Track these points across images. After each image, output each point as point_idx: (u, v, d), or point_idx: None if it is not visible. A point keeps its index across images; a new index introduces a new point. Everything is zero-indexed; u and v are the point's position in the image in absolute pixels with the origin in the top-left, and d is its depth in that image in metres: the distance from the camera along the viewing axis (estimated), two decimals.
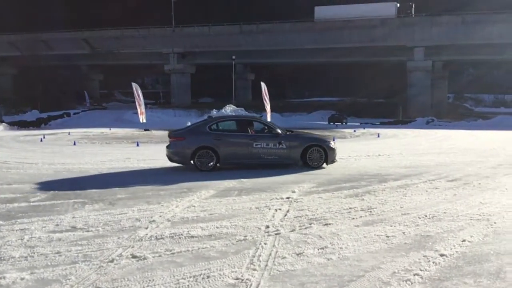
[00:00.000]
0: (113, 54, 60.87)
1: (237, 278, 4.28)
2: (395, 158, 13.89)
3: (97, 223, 6.26)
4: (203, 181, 9.64)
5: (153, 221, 6.34)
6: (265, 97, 31.28)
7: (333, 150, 11.60)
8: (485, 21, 46.86)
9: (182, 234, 5.68)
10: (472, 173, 10.72)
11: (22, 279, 4.30)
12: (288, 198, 7.87)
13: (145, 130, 32.28)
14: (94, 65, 68.67)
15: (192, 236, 5.62)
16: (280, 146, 11.35)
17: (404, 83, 53.23)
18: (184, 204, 7.44)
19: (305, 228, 5.95)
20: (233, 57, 50.16)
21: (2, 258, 4.85)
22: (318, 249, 5.10)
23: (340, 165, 11.91)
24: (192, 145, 11.17)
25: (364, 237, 5.58)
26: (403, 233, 5.73)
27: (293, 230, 5.86)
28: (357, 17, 50.14)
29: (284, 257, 4.83)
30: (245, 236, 5.59)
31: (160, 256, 4.91)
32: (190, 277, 4.33)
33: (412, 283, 4.16)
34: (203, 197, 7.99)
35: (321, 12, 53.30)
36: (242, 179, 9.78)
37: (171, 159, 11.58)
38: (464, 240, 5.40)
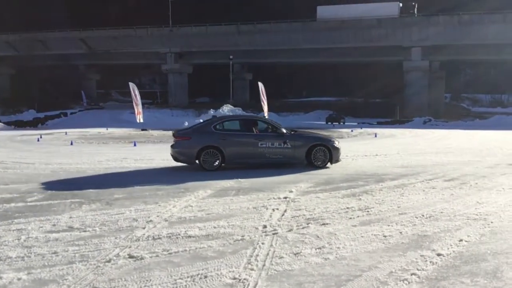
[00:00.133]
0: (110, 53, 60.81)
1: (234, 278, 4.28)
2: (392, 158, 13.91)
3: (94, 223, 6.25)
4: (200, 181, 9.64)
5: (151, 221, 6.33)
6: (263, 97, 31.30)
7: (337, 149, 11.67)
8: (482, 21, 46.98)
9: (179, 234, 5.68)
10: (469, 172, 10.75)
11: (19, 279, 4.29)
12: (285, 198, 7.87)
13: (142, 130, 32.25)
14: (91, 65, 68.64)
15: (190, 236, 5.61)
16: (285, 145, 11.39)
17: (401, 83, 53.33)
18: (182, 204, 7.43)
19: (303, 228, 5.95)
20: (231, 57, 50.17)
21: None
22: (316, 249, 5.11)
23: (338, 165, 11.91)
24: (197, 145, 11.17)
25: (362, 236, 5.58)
26: (400, 232, 5.74)
27: (290, 230, 5.86)
28: (359, 16, 50.03)
29: (281, 257, 4.83)
30: (242, 236, 5.58)
31: (157, 256, 4.90)
32: (188, 277, 4.32)
33: (409, 283, 4.17)
34: (201, 197, 7.99)
35: (324, 11, 53.16)
36: (240, 179, 9.77)
37: (176, 159, 11.58)
38: (461, 240, 5.41)
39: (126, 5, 67.40)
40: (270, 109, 33.93)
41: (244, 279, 4.25)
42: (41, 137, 24.47)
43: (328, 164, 11.56)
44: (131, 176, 10.62)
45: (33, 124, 41.31)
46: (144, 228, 5.98)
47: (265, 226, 6.03)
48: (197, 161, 11.24)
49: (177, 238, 5.55)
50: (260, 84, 31.45)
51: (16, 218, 6.54)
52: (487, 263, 4.67)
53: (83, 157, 14.57)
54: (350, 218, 6.50)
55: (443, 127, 40.39)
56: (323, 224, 6.16)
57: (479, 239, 5.46)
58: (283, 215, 6.67)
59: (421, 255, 4.88)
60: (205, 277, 4.31)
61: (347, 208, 7.09)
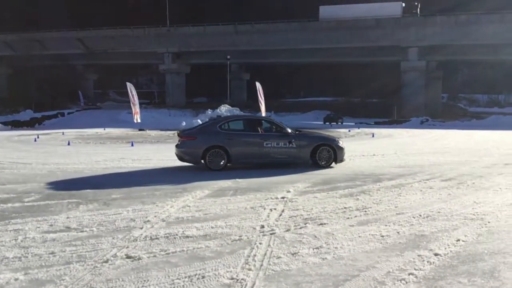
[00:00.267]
0: (108, 53, 60.72)
1: (232, 278, 4.28)
2: (390, 158, 13.93)
3: (92, 223, 6.24)
4: (198, 181, 9.63)
5: (148, 221, 6.32)
6: (260, 97, 31.30)
7: (341, 149, 11.74)
8: (479, 22, 47.06)
9: (177, 234, 5.67)
10: (466, 172, 10.77)
11: (16, 279, 4.28)
12: (283, 198, 7.87)
13: (140, 130, 32.21)
14: (89, 65, 68.50)
15: (187, 236, 5.61)
16: (290, 145, 11.44)
17: (398, 83, 53.41)
18: (179, 204, 7.42)
19: (300, 228, 5.96)
20: (228, 57, 50.15)
21: None
22: (313, 249, 5.11)
23: (335, 165, 11.92)
24: (203, 145, 11.18)
25: (359, 236, 5.59)
26: (398, 232, 5.74)
27: (288, 230, 5.86)
28: (362, 16, 49.98)
29: (279, 257, 4.83)
30: (240, 236, 5.58)
31: (155, 256, 4.90)
32: (185, 277, 4.32)
33: (406, 283, 4.18)
34: (198, 197, 7.98)
35: (326, 11, 53.03)
36: (237, 179, 9.77)
37: (181, 159, 11.59)
38: (458, 240, 5.42)
39: (124, 5, 67.34)
40: (268, 109, 33.94)
41: (242, 279, 4.25)
42: (38, 137, 24.42)
43: (333, 164, 11.63)
44: (129, 176, 10.61)
45: (30, 124, 41.21)
46: (141, 228, 5.97)
47: (262, 226, 6.03)
48: (202, 161, 11.24)
49: (174, 238, 5.54)
50: (258, 84, 31.45)
51: (13, 218, 6.52)
52: (484, 262, 4.68)
53: (80, 157, 14.55)
54: (348, 218, 6.50)
55: (440, 127, 40.47)
56: (321, 224, 6.16)
57: (476, 239, 5.47)
58: (280, 215, 6.67)
59: (418, 255, 4.89)
60: (203, 277, 4.31)
61: (345, 208, 7.09)
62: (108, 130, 32.59)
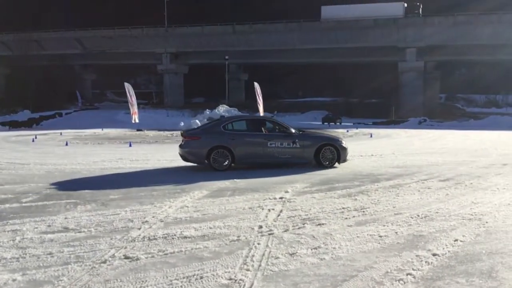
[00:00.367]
0: (106, 54, 60.69)
1: (230, 279, 4.27)
2: (388, 158, 13.95)
3: (90, 224, 6.22)
4: (196, 181, 9.62)
5: (146, 221, 6.31)
6: (258, 97, 31.30)
7: (345, 149, 11.79)
8: (477, 22, 47.18)
9: (175, 235, 5.66)
10: (464, 172, 10.78)
11: (13, 280, 4.27)
12: (281, 198, 7.87)
13: (138, 130, 32.19)
14: (87, 65, 68.48)
15: (185, 237, 5.60)
16: (294, 145, 11.49)
17: (396, 84, 53.48)
18: (177, 204, 7.42)
19: (298, 228, 5.95)
20: (226, 57, 50.14)
21: None
22: (311, 249, 5.11)
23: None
24: (207, 145, 11.19)
25: (357, 237, 5.59)
26: (396, 232, 5.75)
27: (286, 230, 5.86)
28: (361, 17, 49.98)
29: (277, 257, 4.83)
30: (238, 236, 5.58)
31: (153, 256, 4.89)
32: (183, 277, 4.31)
33: (405, 283, 4.18)
34: (196, 198, 7.97)
35: (328, 11, 52.98)
36: (235, 179, 9.77)
37: (185, 159, 11.59)
38: (456, 240, 5.43)
39: (122, 5, 67.25)
40: (266, 109, 33.93)
41: (240, 279, 4.25)
42: (36, 138, 24.38)
43: (336, 164, 11.68)
44: (127, 177, 10.60)
45: (28, 124, 41.15)
46: (139, 228, 5.97)
47: (260, 227, 6.02)
48: (207, 161, 11.25)
49: (172, 238, 5.54)
50: (256, 85, 31.45)
51: (11, 219, 6.51)
52: (482, 263, 4.68)
53: (78, 158, 14.53)
54: (346, 218, 6.50)
55: (438, 127, 40.54)
56: (319, 224, 6.16)
57: (474, 239, 5.48)
58: (279, 215, 6.67)
59: (416, 255, 4.89)
60: (201, 277, 4.31)
61: (343, 208, 7.10)
62: (106, 130, 32.55)
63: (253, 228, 5.96)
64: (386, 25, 50.20)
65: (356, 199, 7.80)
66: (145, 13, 62.18)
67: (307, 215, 6.69)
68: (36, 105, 47.39)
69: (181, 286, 4.14)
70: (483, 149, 17.08)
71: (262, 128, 11.88)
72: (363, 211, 6.87)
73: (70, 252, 5.03)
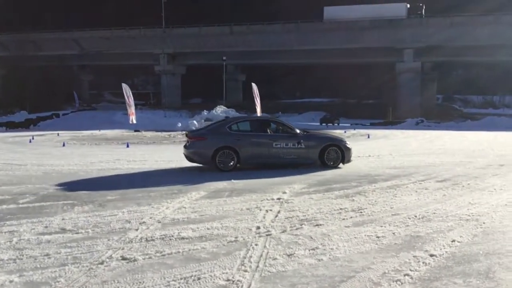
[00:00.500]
0: (103, 54, 60.57)
1: (228, 280, 4.27)
2: (385, 159, 13.96)
3: (87, 225, 6.21)
4: (193, 182, 9.62)
5: (143, 222, 6.30)
6: (256, 98, 31.31)
7: (349, 150, 11.87)
8: (474, 23, 47.27)
9: (172, 236, 5.66)
10: (461, 173, 10.80)
11: (10, 281, 4.26)
12: (279, 199, 7.87)
13: (135, 131, 32.13)
14: (84, 66, 68.31)
15: (183, 238, 5.60)
16: (299, 146, 11.54)
17: (394, 84, 53.55)
18: (175, 205, 7.41)
19: (296, 229, 5.96)
20: (224, 58, 50.10)
21: None
22: (309, 250, 5.11)
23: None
24: (213, 145, 11.19)
25: (355, 237, 5.59)
26: (393, 233, 5.76)
27: (284, 231, 5.86)
28: (368, 17, 49.93)
29: (275, 258, 4.83)
30: (236, 237, 5.58)
31: (150, 258, 4.89)
32: (181, 279, 4.31)
33: (402, 284, 4.18)
34: (194, 198, 7.97)
35: (330, 12, 52.90)
36: (233, 180, 9.77)
37: (191, 159, 11.59)
38: (453, 240, 5.44)
39: (120, 5, 67.19)
40: (263, 110, 33.93)
41: (238, 280, 4.25)
42: (33, 138, 24.31)
43: (340, 164, 11.74)
44: (124, 178, 10.58)
45: (25, 125, 41.02)
46: (137, 229, 5.96)
47: (258, 227, 6.02)
48: (212, 162, 11.22)
49: (170, 239, 5.53)
50: (254, 86, 31.46)
51: (8, 220, 6.49)
52: (479, 263, 4.69)
53: (75, 159, 14.50)
54: (343, 219, 6.51)
55: (435, 128, 40.60)
56: (317, 225, 6.16)
57: (472, 240, 5.49)
58: (276, 216, 6.67)
59: (414, 256, 4.90)
60: (199, 278, 4.30)
61: (340, 209, 7.10)
62: (103, 131, 32.49)
63: (250, 229, 5.96)
64: (383, 26, 50.23)
65: (353, 199, 7.81)
66: (142, 13, 62.07)
67: (305, 216, 6.69)
68: (33, 106, 47.28)
69: (179, 287, 4.14)
70: (480, 149, 17.12)
71: (267, 129, 11.92)
72: (361, 212, 6.88)
73: (67, 253, 5.02)
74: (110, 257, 4.89)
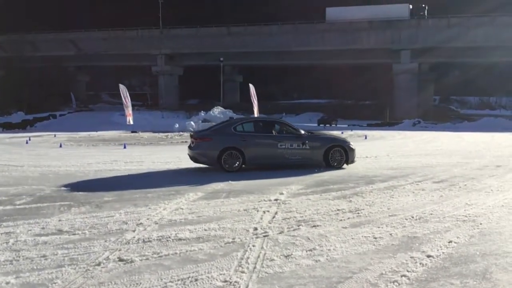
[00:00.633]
0: (100, 55, 60.50)
1: (225, 281, 4.27)
2: (382, 160, 13.98)
3: (84, 226, 6.20)
4: (191, 183, 9.61)
5: (141, 224, 6.29)
6: (253, 99, 31.33)
7: (353, 150, 11.96)
8: (470, 24, 47.45)
9: (169, 237, 5.65)
10: (458, 174, 10.83)
11: (7, 283, 4.24)
12: (276, 200, 7.87)
13: (132, 132, 32.12)
14: (81, 67, 68.17)
15: (180, 239, 5.59)
16: (304, 146, 11.63)
17: (391, 85, 53.65)
18: (172, 206, 7.40)
19: (293, 230, 5.96)
20: (221, 58, 50.13)
21: None
22: (306, 251, 5.11)
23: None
24: (219, 146, 11.23)
25: (352, 238, 5.60)
26: (390, 234, 5.76)
27: (281, 232, 5.86)
28: (370, 18, 49.96)
29: (272, 259, 4.83)
30: (233, 239, 5.57)
31: (147, 259, 4.88)
32: (178, 280, 4.30)
33: (399, 284, 4.19)
34: (191, 199, 7.96)
35: (332, 13, 52.89)
36: (231, 181, 9.76)
37: (196, 160, 11.59)
38: (450, 241, 5.44)
39: (117, 6, 67.13)
40: (261, 111, 33.96)
41: (235, 281, 4.25)
42: (29, 140, 24.26)
43: (344, 165, 11.79)
44: (121, 179, 10.56)
45: (22, 126, 40.95)
46: (134, 231, 5.95)
47: (256, 229, 6.02)
48: (218, 163, 11.22)
49: (167, 241, 5.52)
50: (251, 86, 31.48)
51: (5, 221, 6.47)
52: (476, 264, 4.70)
53: (72, 160, 14.47)
54: (341, 220, 6.51)
55: (432, 129, 40.69)
56: (314, 226, 6.16)
57: (469, 241, 5.50)
58: (274, 217, 6.67)
59: (411, 257, 4.90)
60: (196, 280, 4.30)
61: (338, 210, 7.11)
62: (100, 132, 32.45)
63: (248, 230, 5.95)
64: (380, 27, 50.36)
65: (350, 200, 7.82)
66: (140, 14, 62.07)
67: (302, 217, 6.69)
68: (30, 107, 47.16)
69: None
70: (477, 150, 17.16)
71: (272, 130, 11.98)
72: (358, 213, 6.89)
73: (64, 255, 5.00)
74: (107, 258, 4.88)
